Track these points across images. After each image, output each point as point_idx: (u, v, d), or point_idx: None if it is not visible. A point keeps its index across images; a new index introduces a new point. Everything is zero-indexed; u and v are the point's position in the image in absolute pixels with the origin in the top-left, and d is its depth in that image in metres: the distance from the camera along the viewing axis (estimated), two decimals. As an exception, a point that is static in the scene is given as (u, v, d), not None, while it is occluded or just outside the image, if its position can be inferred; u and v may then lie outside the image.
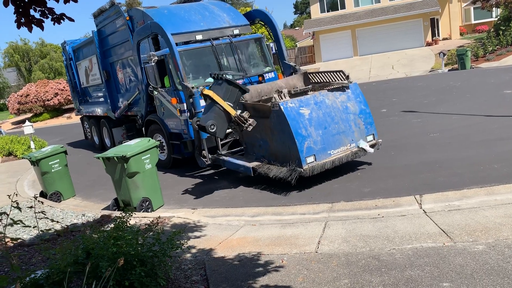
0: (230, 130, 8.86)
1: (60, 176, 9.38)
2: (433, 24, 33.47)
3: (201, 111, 8.76)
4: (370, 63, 30.22)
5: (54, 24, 3.95)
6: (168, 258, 4.16)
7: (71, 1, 3.89)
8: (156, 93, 10.00)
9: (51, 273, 3.67)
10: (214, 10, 10.61)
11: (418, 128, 10.38)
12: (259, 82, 9.77)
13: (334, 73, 8.31)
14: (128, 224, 4.58)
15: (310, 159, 6.93)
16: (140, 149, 7.24)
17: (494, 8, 27.50)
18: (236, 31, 10.26)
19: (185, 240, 4.43)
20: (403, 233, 4.90)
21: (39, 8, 3.79)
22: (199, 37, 9.64)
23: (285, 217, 6.22)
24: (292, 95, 7.75)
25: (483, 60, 22.82)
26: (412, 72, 24.16)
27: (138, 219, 6.60)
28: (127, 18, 10.80)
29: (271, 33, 10.77)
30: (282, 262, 4.63)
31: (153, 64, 9.18)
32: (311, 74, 8.97)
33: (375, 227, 5.21)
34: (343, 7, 36.30)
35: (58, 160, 9.34)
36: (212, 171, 9.62)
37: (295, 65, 10.24)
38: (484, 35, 27.71)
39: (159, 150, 10.45)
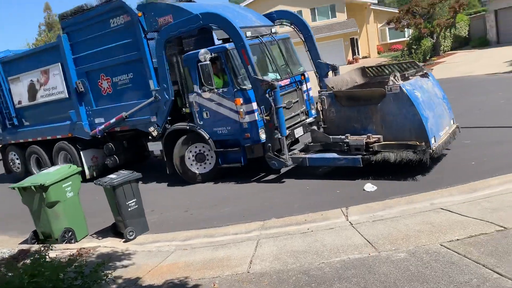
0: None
1: (-30, 210, 8.58)
2: (353, 44, 35.55)
3: (282, 106, 8.16)
4: (297, 81, 31.19)
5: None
6: (91, 292, 3.92)
7: None
8: (194, 96, 9.00)
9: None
10: (239, 10, 10.17)
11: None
12: (300, 81, 9.48)
13: (398, 65, 8.43)
14: (47, 257, 4.27)
15: (433, 141, 6.91)
16: (60, 177, 6.84)
17: (406, 29, 29.74)
18: (273, 30, 9.74)
19: (111, 271, 4.20)
20: (331, 246, 5.03)
21: None
22: (249, 33, 8.78)
23: (217, 239, 6.13)
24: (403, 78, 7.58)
25: (399, 76, 24.49)
26: (336, 89, 25.28)
27: (60, 251, 6.19)
28: (139, 14, 9.40)
29: (301, 33, 10.26)
30: (214, 285, 4.54)
31: (208, 62, 8.30)
32: (368, 69, 9.01)
33: (305, 242, 5.30)
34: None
35: (-32, 192, 8.54)
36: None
37: (333, 64, 9.87)
38: (399, 53, 29.83)
39: (198, 163, 9.44)
